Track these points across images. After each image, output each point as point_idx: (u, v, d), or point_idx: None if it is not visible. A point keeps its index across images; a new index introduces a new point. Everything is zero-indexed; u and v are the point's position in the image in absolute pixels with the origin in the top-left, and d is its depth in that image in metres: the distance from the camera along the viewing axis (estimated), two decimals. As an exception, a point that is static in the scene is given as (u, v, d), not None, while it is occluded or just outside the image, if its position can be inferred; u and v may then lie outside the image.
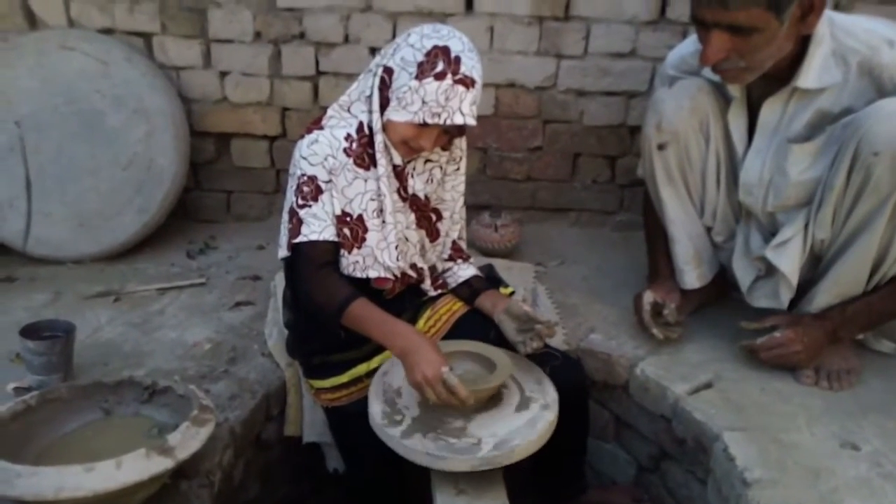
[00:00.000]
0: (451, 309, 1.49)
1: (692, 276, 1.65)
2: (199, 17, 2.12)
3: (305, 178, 1.32)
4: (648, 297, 1.57)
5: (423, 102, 1.24)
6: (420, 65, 1.24)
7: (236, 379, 1.50)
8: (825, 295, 1.44)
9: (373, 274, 1.37)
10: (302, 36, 2.15)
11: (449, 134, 1.35)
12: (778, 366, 1.46)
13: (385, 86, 1.30)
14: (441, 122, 1.25)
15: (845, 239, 1.39)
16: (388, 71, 1.29)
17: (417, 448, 1.15)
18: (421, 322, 1.47)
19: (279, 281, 1.69)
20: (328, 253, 1.33)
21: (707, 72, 1.54)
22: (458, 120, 1.25)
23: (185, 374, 1.48)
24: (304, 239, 1.31)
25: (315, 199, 1.32)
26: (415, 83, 1.24)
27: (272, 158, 2.29)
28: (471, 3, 2.11)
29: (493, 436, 1.17)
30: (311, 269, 1.31)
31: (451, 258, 1.53)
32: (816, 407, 1.38)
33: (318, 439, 1.56)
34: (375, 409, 1.24)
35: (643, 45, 2.13)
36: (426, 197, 1.44)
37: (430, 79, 1.23)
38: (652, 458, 1.57)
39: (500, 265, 1.82)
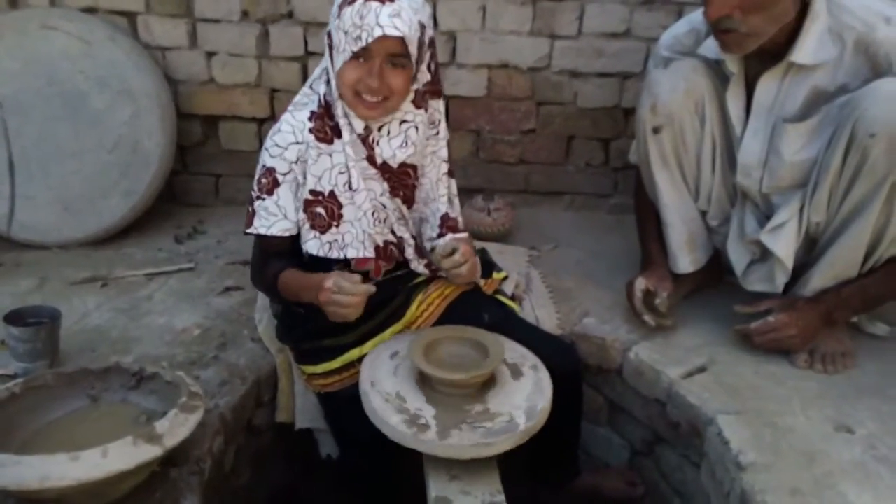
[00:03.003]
0: (442, 293, 1.47)
1: (686, 260, 1.64)
2: (184, -5, 2.08)
3: (264, 169, 1.34)
4: (640, 284, 1.56)
5: (345, 34, 1.22)
6: (339, 5, 1.24)
7: (226, 365, 1.48)
8: (820, 278, 1.43)
9: (351, 252, 1.35)
10: (290, 15, 2.10)
11: (401, 67, 1.26)
12: (772, 350, 1.46)
13: (331, 49, 1.29)
14: (364, 43, 1.20)
15: (841, 222, 1.38)
16: (328, 34, 1.29)
17: (465, 443, 1.12)
18: (413, 307, 1.45)
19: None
20: (277, 246, 1.37)
21: (704, 49, 1.51)
22: (377, 33, 1.19)
23: (174, 360, 1.46)
24: (254, 231, 1.35)
25: (270, 193, 1.34)
26: (336, 22, 1.24)
27: (261, 141, 2.25)
28: (463, -18, 2.07)
29: (517, 407, 1.19)
30: (257, 259, 1.40)
31: (441, 235, 1.47)
32: (811, 390, 1.37)
33: (311, 425, 1.55)
34: (395, 421, 1.16)
35: (638, 26, 2.10)
36: (405, 163, 1.38)
37: (346, 8, 1.22)
38: (646, 443, 1.57)
39: (493, 249, 1.80)
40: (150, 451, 1.01)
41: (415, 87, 1.34)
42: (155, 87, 1.99)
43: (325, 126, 1.33)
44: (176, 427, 1.06)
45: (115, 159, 1.97)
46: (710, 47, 1.49)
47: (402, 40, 1.22)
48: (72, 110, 1.95)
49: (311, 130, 1.33)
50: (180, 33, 2.11)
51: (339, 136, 1.32)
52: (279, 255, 1.37)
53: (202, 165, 2.29)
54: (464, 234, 1.49)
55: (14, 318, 1.35)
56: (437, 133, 1.42)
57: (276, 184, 1.33)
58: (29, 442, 1.10)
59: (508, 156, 2.28)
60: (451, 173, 1.48)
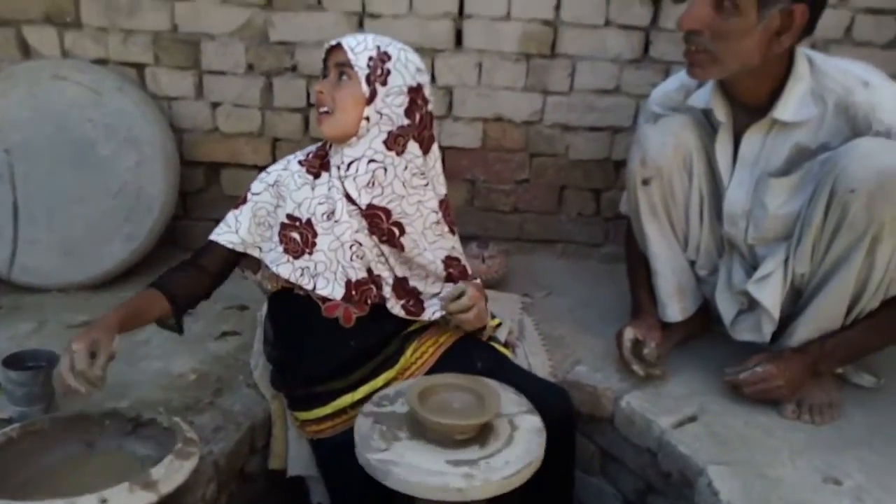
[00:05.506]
0: (436, 341, 1.49)
1: (675, 309, 1.67)
2: (192, 49, 2.16)
3: (246, 189, 1.46)
4: (629, 334, 1.59)
5: None
6: None
7: (221, 410, 1.49)
8: (805, 329, 1.46)
9: (321, 283, 1.38)
10: (294, 69, 2.18)
11: (347, 79, 1.35)
12: (761, 400, 1.48)
13: None
14: (322, 57, 1.38)
15: (824, 274, 1.42)
16: None
17: (456, 485, 1.12)
18: (407, 353, 1.47)
19: (265, 311, 1.69)
20: (208, 255, 1.43)
21: (693, 100, 1.57)
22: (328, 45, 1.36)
23: (170, 405, 1.47)
24: (211, 236, 1.44)
25: (236, 207, 1.45)
26: None
27: (262, 188, 2.31)
28: (460, 40, 2.16)
29: (510, 451, 1.19)
30: (189, 258, 1.45)
31: (450, 277, 1.51)
32: (799, 441, 1.39)
33: (303, 472, 1.55)
34: (383, 461, 1.17)
35: (627, 83, 2.19)
36: (373, 205, 1.39)
37: None
38: (638, 492, 1.57)
39: (487, 296, 1.83)
40: (146, 498, 1.02)
41: (387, 127, 1.36)
42: (160, 137, 2.05)
43: (318, 161, 1.44)
44: (171, 473, 1.07)
45: (118, 205, 2.01)
46: (700, 97, 1.55)
47: (345, 51, 1.33)
48: (78, 157, 2.00)
49: (300, 163, 1.44)
50: (187, 84, 2.19)
51: (328, 170, 1.41)
52: (199, 267, 1.43)
53: (203, 211, 2.33)
54: (476, 282, 1.52)
55: (12, 361, 1.36)
56: (427, 185, 1.44)
57: (244, 201, 1.44)
58: (25, 487, 1.11)
59: (503, 204, 2.33)
60: (452, 230, 1.51)
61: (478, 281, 1.55)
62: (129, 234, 2.02)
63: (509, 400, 1.31)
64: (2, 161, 1.98)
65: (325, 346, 1.42)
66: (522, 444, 1.22)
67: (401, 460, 1.16)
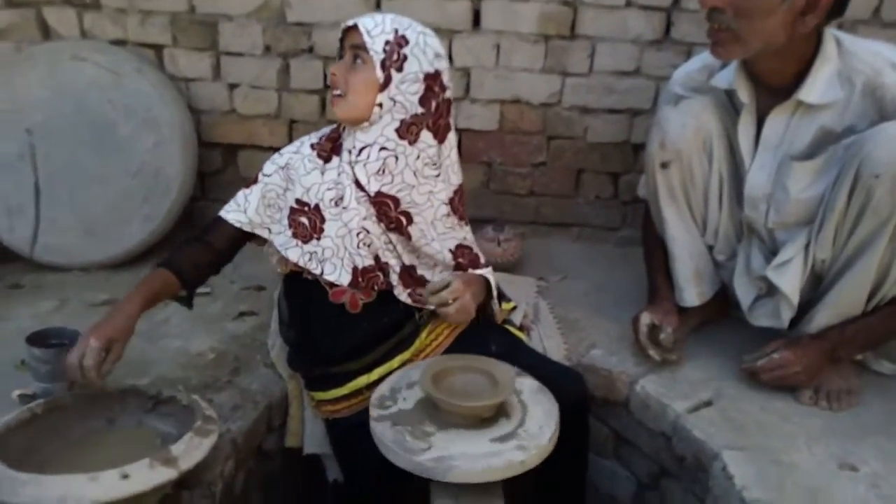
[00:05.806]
0: (451, 324, 1.49)
1: (692, 294, 1.66)
2: (209, 30, 2.16)
3: (261, 167, 1.48)
4: (645, 319, 1.58)
5: None
6: None
7: (239, 389, 1.51)
8: (824, 315, 1.44)
9: (328, 268, 1.38)
10: (311, 50, 2.18)
11: (361, 63, 1.32)
12: (779, 386, 1.47)
13: None
14: (339, 37, 1.36)
15: (846, 260, 1.40)
16: None
17: (472, 468, 1.12)
18: (423, 335, 1.47)
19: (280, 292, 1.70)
20: (215, 231, 1.44)
21: (717, 80, 1.54)
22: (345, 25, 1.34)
23: (189, 383, 1.49)
24: (220, 212, 1.46)
25: (247, 187, 1.46)
26: None
27: (278, 170, 2.32)
28: (478, 21, 2.13)
29: (525, 434, 1.19)
30: (197, 233, 1.46)
31: (459, 266, 1.48)
32: (816, 427, 1.38)
33: (319, 450, 1.57)
34: (401, 447, 1.17)
35: (647, 64, 2.15)
36: (382, 193, 1.37)
37: None
38: (652, 476, 1.58)
39: (502, 279, 1.82)
40: (166, 474, 1.04)
41: (400, 115, 1.33)
42: (178, 118, 2.06)
43: (330, 145, 1.42)
44: (191, 450, 1.09)
45: (137, 185, 2.03)
46: (723, 78, 1.52)
47: (361, 33, 1.30)
48: (98, 138, 2.01)
49: (312, 146, 1.44)
50: (205, 66, 2.19)
51: (339, 154, 1.40)
52: (206, 243, 1.44)
53: (220, 192, 2.35)
54: (486, 270, 1.50)
55: (36, 339, 1.37)
56: (438, 175, 1.41)
57: (255, 181, 1.45)
58: (48, 462, 1.13)
59: (519, 187, 2.32)
60: (464, 220, 1.49)
61: (489, 269, 1.52)
62: (147, 215, 2.04)
63: (526, 386, 1.31)
64: (24, 141, 2.01)
65: (335, 329, 1.43)
66: (538, 406, 1.24)
67: (451, 453, 1.15)
